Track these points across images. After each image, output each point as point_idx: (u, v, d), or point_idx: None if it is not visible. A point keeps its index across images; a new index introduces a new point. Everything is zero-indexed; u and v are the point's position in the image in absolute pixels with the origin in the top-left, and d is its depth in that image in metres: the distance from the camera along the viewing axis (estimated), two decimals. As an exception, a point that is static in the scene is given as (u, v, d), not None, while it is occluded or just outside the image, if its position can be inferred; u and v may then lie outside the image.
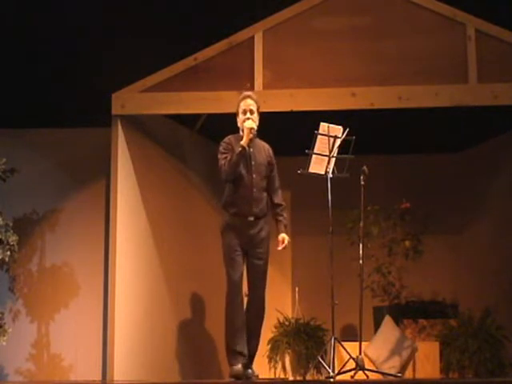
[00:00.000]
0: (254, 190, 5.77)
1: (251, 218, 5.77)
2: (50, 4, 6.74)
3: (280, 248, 5.88)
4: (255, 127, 5.75)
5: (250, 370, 5.76)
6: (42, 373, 6.83)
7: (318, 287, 6.69)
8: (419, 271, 7.40)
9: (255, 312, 5.83)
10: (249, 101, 5.83)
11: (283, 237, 5.90)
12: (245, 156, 5.74)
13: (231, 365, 5.71)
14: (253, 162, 5.80)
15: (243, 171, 5.76)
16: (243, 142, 5.71)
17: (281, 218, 5.95)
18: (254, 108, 5.81)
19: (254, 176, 5.79)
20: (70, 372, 6.82)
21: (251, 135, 5.72)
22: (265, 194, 5.87)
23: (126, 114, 6.47)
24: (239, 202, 5.78)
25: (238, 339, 5.72)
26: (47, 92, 7.04)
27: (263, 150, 5.92)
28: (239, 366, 5.65)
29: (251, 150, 5.80)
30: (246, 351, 5.73)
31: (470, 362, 6.57)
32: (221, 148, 5.86)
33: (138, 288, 6.54)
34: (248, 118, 5.78)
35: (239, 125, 5.84)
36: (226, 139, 5.90)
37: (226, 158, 5.76)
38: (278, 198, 5.98)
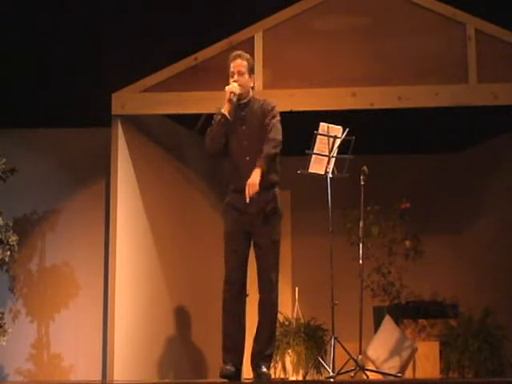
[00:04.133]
0: (247, 158, 5.10)
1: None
2: (50, 4, 6.74)
3: (247, 199, 4.94)
4: (236, 91, 5.10)
5: (263, 370, 5.10)
6: (42, 373, 6.83)
7: (318, 287, 6.68)
8: (419, 271, 7.41)
9: (263, 301, 5.14)
10: (238, 61, 5.21)
11: (252, 178, 4.93)
12: (228, 124, 5.10)
13: (222, 363, 5.14)
14: (243, 127, 5.16)
15: (232, 140, 5.15)
16: (223, 110, 5.09)
17: (264, 148, 5.03)
18: (245, 69, 5.19)
19: (246, 143, 5.13)
20: (70, 372, 6.82)
21: (229, 100, 5.09)
22: None
23: (126, 114, 6.47)
24: (234, 175, 5.15)
25: (229, 336, 5.13)
26: (47, 92, 7.04)
27: (258, 106, 5.21)
28: (227, 367, 5.06)
29: (243, 113, 5.18)
30: (239, 348, 5.14)
31: (470, 361, 6.57)
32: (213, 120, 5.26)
33: (138, 288, 6.54)
34: (234, 81, 5.15)
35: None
36: (219, 110, 5.25)
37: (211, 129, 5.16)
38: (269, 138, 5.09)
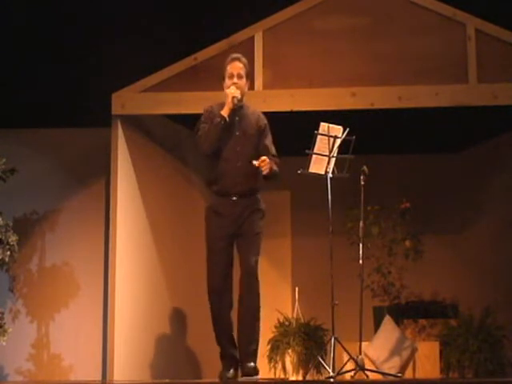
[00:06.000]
0: (239, 163, 5.22)
1: (234, 198, 5.22)
2: (50, 4, 6.74)
3: (255, 162, 5.14)
4: (238, 95, 5.20)
5: (250, 364, 5.14)
6: (42, 373, 6.83)
7: (318, 287, 6.68)
8: (419, 271, 7.39)
9: (245, 292, 5.18)
10: (237, 63, 5.31)
11: (262, 159, 5.15)
12: (225, 127, 5.17)
13: (222, 370, 5.30)
14: (237, 133, 5.25)
15: (226, 143, 5.21)
16: (223, 112, 5.16)
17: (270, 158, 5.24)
18: (243, 72, 5.30)
19: (239, 148, 5.23)
20: (70, 372, 6.82)
21: (232, 104, 5.17)
22: (253, 168, 5.23)
23: (126, 114, 6.47)
24: (222, 178, 5.22)
25: (224, 341, 5.26)
26: (47, 92, 7.04)
27: (253, 116, 5.36)
28: (228, 372, 5.20)
29: (237, 118, 5.25)
30: (236, 353, 5.27)
31: (470, 361, 6.56)
32: (201, 117, 5.35)
33: (138, 288, 6.54)
34: (234, 83, 5.24)
35: (225, 89, 5.34)
36: (207, 107, 5.38)
37: (204, 128, 5.23)
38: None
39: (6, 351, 6.62)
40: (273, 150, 5.44)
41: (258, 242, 5.27)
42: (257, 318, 5.29)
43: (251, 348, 5.23)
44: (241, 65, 5.32)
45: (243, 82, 5.32)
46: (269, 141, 5.43)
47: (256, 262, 5.22)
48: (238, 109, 5.27)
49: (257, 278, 5.22)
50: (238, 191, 5.24)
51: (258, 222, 5.28)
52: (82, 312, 6.89)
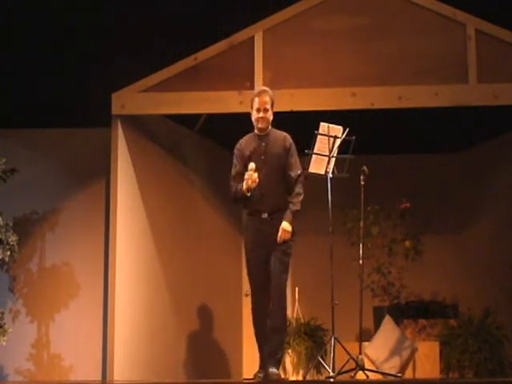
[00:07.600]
0: (266, 185, 5.52)
1: (265, 215, 5.56)
2: (50, 4, 6.75)
3: (278, 240, 5.52)
4: (256, 181, 5.47)
5: (272, 370, 5.47)
6: (42, 373, 6.82)
7: (318, 287, 6.69)
8: (419, 271, 7.41)
9: (273, 304, 5.57)
10: (264, 98, 5.62)
11: (281, 227, 5.53)
12: (252, 155, 5.58)
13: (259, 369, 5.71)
14: (262, 157, 5.58)
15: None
16: (244, 188, 5.51)
17: (289, 205, 5.58)
18: (269, 106, 5.62)
19: (265, 171, 5.53)
20: (70, 372, 6.82)
21: (250, 189, 5.50)
22: (281, 187, 5.61)
23: (126, 114, 6.47)
24: (252, 200, 5.57)
25: (259, 342, 5.68)
26: (47, 92, 7.05)
27: (278, 139, 5.68)
28: (260, 374, 5.61)
29: (263, 144, 5.61)
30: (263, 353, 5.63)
31: (470, 361, 6.57)
32: (234, 157, 5.70)
33: (138, 288, 6.54)
34: (253, 171, 5.49)
35: (253, 120, 5.66)
36: (237, 145, 5.71)
37: (234, 179, 5.60)
38: (294, 186, 5.63)
39: (6, 351, 6.62)
40: (297, 168, 5.67)
41: (286, 270, 5.60)
42: (284, 333, 5.75)
43: (278, 356, 5.59)
44: (267, 98, 5.63)
45: (269, 114, 5.64)
46: (294, 159, 5.68)
47: (285, 288, 5.61)
48: (264, 136, 5.63)
49: (283, 299, 5.61)
50: (267, 209, 5.57)
51: (287, 248, 5.58)
52: (81, 312, 6.88)
